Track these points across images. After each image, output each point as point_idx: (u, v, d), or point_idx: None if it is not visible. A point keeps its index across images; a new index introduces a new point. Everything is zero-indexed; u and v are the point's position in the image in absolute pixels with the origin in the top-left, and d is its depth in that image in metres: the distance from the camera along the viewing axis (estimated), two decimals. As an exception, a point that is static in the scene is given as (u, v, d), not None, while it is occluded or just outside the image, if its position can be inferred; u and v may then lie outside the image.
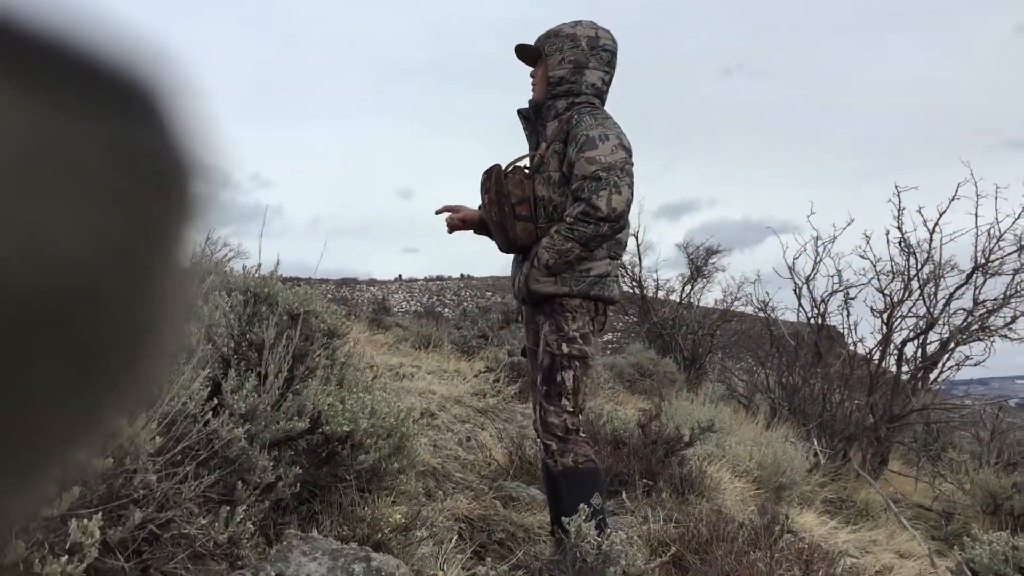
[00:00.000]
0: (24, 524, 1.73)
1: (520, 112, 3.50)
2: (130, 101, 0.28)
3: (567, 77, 3.27)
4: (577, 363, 3.24)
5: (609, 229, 3.12)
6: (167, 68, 0.29)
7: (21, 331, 0.25)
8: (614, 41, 3.36)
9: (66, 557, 1.70)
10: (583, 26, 3.31)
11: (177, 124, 0.30)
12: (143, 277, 0.29)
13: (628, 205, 3.13)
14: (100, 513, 1.79)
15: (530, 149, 3.44)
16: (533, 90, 3.42)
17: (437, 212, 3.52)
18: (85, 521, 1.74)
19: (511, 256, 3.50)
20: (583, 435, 3.29)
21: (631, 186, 3.12)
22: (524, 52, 3.39)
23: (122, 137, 0.28)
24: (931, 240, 9.79)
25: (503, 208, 3.23)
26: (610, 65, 3.35)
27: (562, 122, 3.25)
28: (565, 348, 3.22)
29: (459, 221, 3.50)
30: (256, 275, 3.15)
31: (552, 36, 3.32)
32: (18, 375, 0.26)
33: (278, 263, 3.24)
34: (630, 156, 3.16)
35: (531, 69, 3.42)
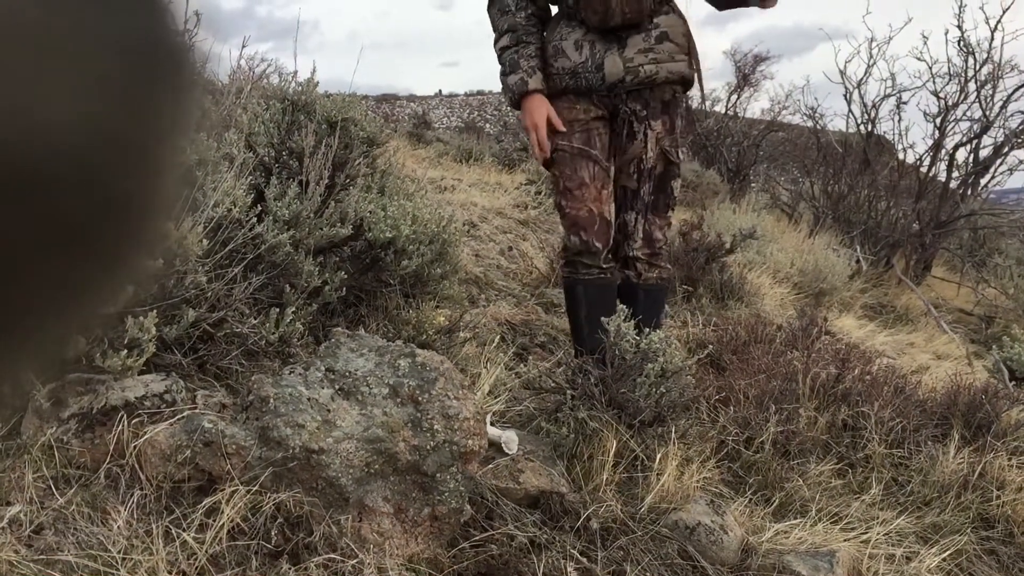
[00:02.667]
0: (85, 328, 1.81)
1: None
2: None
3: None
4: (679, 171, 2.98)
5: None
6: None
7: (3, 203, 0.25)
8: None
9: (125, 351, 1.79)
10: None
11: (166, 6, 0.30)
12: (133, 157, 0.29)
13: None
14: (154, 311, 1.87)
15: None
16: None
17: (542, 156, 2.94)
18: (141, 318, 1.82)
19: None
20: (667, 245, 3.12)
21: None
22: None
23: (112, 17, 0.27)
24: (992, 39, 9.34)
25: None
26: None
27: None
28: (680, 155, 2.94)
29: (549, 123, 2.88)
30: (293, 83, 3.12)
31: None
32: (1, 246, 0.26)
33: (314, 70, 3.20)
34: None
35: None
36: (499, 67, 2.93)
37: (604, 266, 2.93)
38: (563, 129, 2.85)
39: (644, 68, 2.78)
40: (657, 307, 3.06)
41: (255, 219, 2.40)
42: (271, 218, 2.48)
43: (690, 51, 2.84)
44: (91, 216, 0.28)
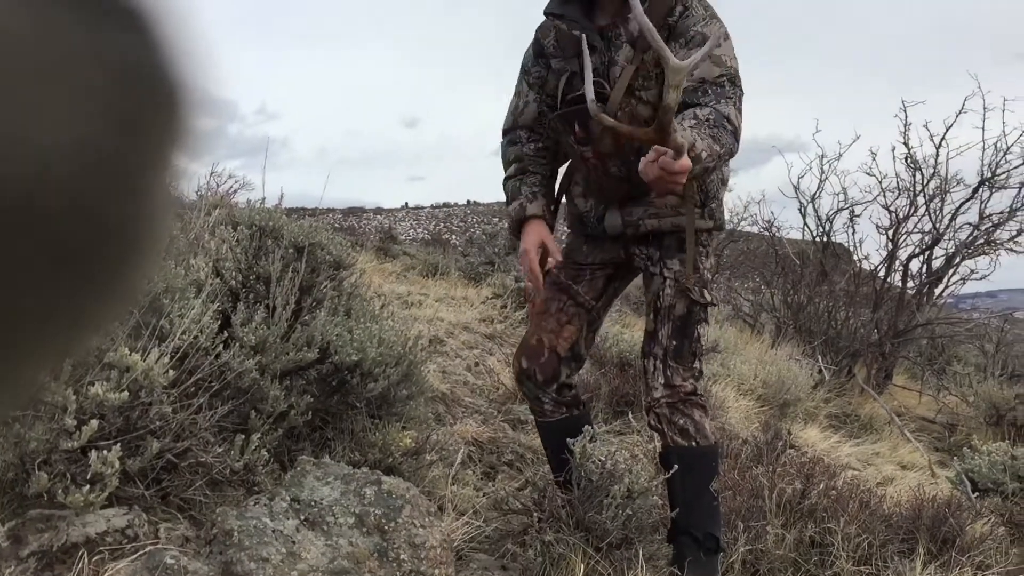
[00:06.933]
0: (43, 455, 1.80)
1: (559, 25, 2.56)
2: (126, 14, 0.29)
3: None
4: (706, 313, 2.69)
5: (735, 151, 2.42)
6: None
7: None
8: None
9: (88, 487, 1.77)
10: None
11: (169, 41, 0.30)
12: (126, 185, 0.29)
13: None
14: (119, 444, 1.86)
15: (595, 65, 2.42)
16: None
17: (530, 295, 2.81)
18: (105, 452, 1.81)
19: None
20: (702, 397, 2.76)
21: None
22: None
23: (113, 48, 0.28)
24: (937, 155, 9.72)
25: (629, 154, 2.45)
26: None
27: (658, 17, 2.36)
28: (707, 295, 2.64)
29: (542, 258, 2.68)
30: (261, 208, 3.18)
31: None
32: None
33: (282, 196, 3.27)
34: None
35: None
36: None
37: (557, 398, 2.81)
38: (558, 258, 2.68)
39: (645, 223, 2.63)
40: (697, 479, 2.65)
41: (221, 345, 2.42)
42: (238, 344, 2.49)
43: (706, 200, 2.65)
44: (84, 244, 0.28)
